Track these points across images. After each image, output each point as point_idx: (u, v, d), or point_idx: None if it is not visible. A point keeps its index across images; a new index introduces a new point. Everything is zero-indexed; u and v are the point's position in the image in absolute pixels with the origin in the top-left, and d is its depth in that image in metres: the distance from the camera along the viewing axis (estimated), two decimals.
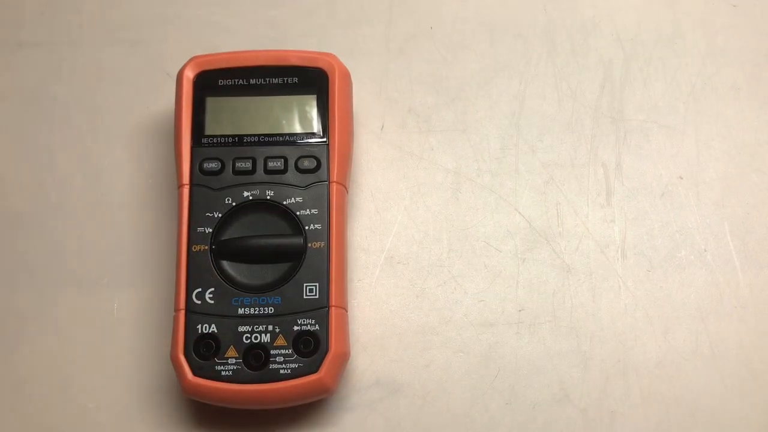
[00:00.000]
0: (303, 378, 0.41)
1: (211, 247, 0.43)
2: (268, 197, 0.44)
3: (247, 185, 0.44)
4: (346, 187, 0.45)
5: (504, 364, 0.45)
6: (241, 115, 0.45)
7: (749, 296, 0.46)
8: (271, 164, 0.44)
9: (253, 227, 0.43)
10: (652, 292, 0.46)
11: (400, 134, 0.49)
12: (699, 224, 0.47)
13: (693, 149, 0.48)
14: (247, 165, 0.44)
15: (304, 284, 0.42)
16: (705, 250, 0.46)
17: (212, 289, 0.42)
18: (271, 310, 0.42)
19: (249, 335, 0.42)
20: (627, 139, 0.49)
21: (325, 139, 0.45)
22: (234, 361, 0.41)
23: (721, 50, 0.50)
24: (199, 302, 0.42)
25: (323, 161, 0.44)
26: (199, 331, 0.42)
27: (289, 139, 0.45)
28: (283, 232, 0.43)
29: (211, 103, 0.45)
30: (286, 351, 0.42)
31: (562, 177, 0.48)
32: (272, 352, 0.42)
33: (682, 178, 0.48)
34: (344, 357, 0.42)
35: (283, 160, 0.44)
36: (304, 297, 0.42)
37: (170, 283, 0.44)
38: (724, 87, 0.50)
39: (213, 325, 0.42)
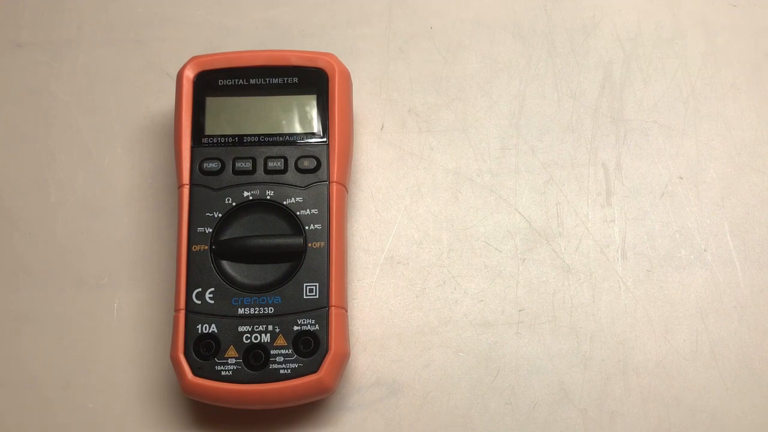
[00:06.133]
0: (303, 378, 0.41)
1: (211, 247, 0.43)
2: (268, 197, 0.44)
3: (247, 185, 0.44)
4: (346, 187, 0.45)
5: (504, 364, 0.45)
6: (241, 115, 0.45)
7: (749, 296, 0.46)
8: (271, 164, 0.44)
9: (253, 227, 0.44)
10: (652, 292, 0.46)
11: (400, 134, 0.49)
12: (699, 224, 0.47)
13: (693, 149, 0.48)
14: (247, 165, 0.44)
15: (304, 284, 0.42)
16: (705, 250, 0.46)
17: (212, 289, 0.43)
18: (271, 310, 0.42)
19: (249, 335, 0.42)
20: (627, 139, 0.49)
21: (325, 139, 0.45)
22: (234, 361, 0.41)
23: (721, 50, 0.50)
24: (199, 302, 0.42)
25: (323, 161, 0.44)
26: (199, 331, 0.42)
27: (289, 139, 0.45)
28: (283, 232, 0.43)
29: (211, 103, 0.45)
30: (286, 351, 0.42)
31: (562, 177, 0.48)
32: (272, 352, 0.42)
33: (682, 178, 0.48)
34: (344, 357, 0.42)
35: (283, 160, 0.44)
36: (304, 297, 0.42)
37: (170, 283, 0.44)
38: (724, 87, 0.50)
39: (213, 325, 0.42)
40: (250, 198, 0.44)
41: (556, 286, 0.46)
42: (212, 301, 0.42)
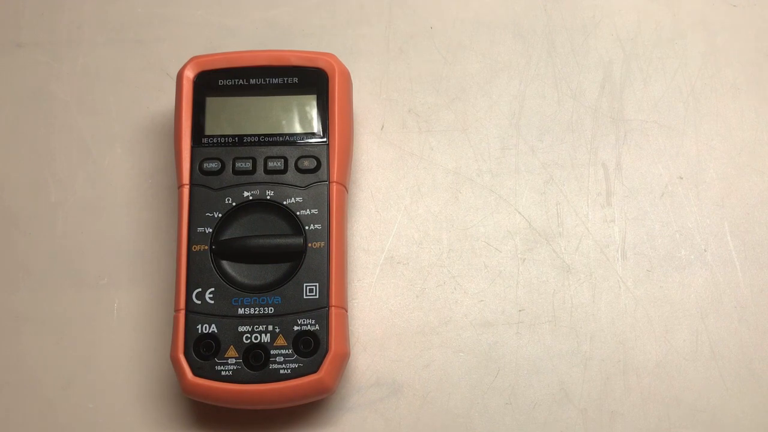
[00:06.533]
0: (303, 378, 0.41)
1: (211, 247, 0.43)
2: (268, 197, 0.44)
3: (247, 185, 0.44)
4: (346, 187, 0.45)
5: (504, 364, 0.45)
6: (241, 115, 0.45)
7: (749, 296, 0.46)
8: (271, 164, 0.44)
9: (253, 227, 0.44)
10: (652, 292, 0.46)
11: (400, 134, 0.49)
12: (699, 224, 0.47)
13: (693, 149, 0.48)
14: (247, 165, 0.44)
15: (304, 284, 0.42)
16: (705, 250, 0.46)
17: (212, 289, 0.43)
18: (271, 310, 0.42)
19: (249, 335, 0.42)
20: (627, 139, 0.49)
21: (325, 139, 0.45)
22: (234, 361, 0.41)
23: (721, 50, 0.50)
24: (199, 302, 0.42)
25: (323, 161, 0.44)
26: (199, 331, 0.42)
27: (289, 139, 0.45)
28: (283, 232, 0.43)
29: (211, 103, 0.45)
30: (286, 351, 0.42)
31: (562, 177, 0.48)
32: (272, 352, 0.42)
33: (682, 178, 0.48)
34: (344, 357, 0.42)
35: (283, 160, 0.44)
36: (304, 297, 0.42)
37: (170, 283, 0.44)
38: (724, 87, 0.50)
39: (213, 325, 0.42)
40: (250, 198, 0.44)
41: (556, 286, 0.46)
42: (212, 301, 0.42)
